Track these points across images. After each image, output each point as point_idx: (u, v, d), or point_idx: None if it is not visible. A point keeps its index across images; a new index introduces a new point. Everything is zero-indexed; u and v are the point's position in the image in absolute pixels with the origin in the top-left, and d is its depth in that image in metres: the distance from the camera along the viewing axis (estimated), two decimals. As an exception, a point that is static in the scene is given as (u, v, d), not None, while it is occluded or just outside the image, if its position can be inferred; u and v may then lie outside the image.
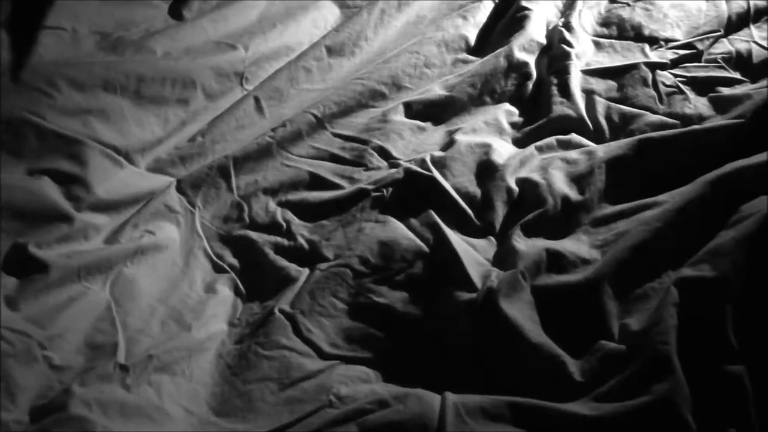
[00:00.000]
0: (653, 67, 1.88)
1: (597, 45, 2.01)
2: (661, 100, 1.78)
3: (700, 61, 1.90)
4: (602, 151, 1.62)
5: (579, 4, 2.12)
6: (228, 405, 1.28)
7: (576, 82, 1.85)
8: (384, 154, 1.73)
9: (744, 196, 1.40)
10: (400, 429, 1.19)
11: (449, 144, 1.71)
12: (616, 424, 1.14)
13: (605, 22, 2.08)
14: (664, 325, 1.23)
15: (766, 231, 1.31)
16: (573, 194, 1.55)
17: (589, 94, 1.82)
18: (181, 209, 1.61)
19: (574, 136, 1.72)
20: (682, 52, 1.94)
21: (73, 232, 1.47)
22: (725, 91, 1.77)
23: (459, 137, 1.72)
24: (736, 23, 2.02)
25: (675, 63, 1.90)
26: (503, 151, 1.69)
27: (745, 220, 1.35)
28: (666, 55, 1.93)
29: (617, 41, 2.01)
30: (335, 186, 1.67)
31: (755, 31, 1.97)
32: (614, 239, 1.44)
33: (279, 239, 1.57)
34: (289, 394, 1.28)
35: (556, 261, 1.42)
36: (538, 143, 1.71)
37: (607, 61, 1.94)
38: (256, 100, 1.86)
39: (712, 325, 1.23)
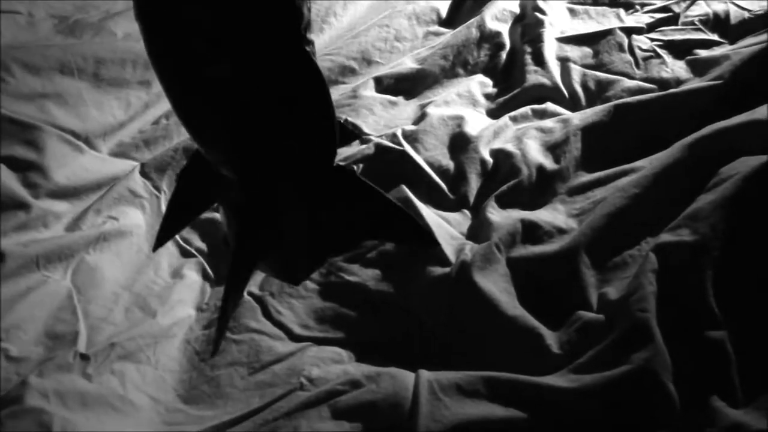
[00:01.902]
0: (629, 31, 1.83)
1: (571, 12, 1.97)
2: (637, 65, 1.74)
3: (676, 24, 1.85)
4: (578, 118, 1.57)
5: (553, -28, 2.07)
6: (196, 391, 1.24)
7: (550, 50, 1.81)
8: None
9: (723, 158, 1.36)
10: (372, 409, 1.16)
11: (421, 117, 1.67)
12: (596, 395, 1.11)
13: (579, -12, 2.04)
14: (642, 292, 1.19)
15: (745, 193, 1.27)
16: (548, 163, 1.51)
17: (564, 61, 1.78)
18: (146, 194, 1.56)
19: (550, 105, 1.68)
20: (658, 15, 1.89)
21: (30, 220, 1.43)
22: (703, 53, 1.73)
23: (431, 110, 1.68)
24: (713, -17, 1.97)
25: (651, 27, 1.86)
26: (476, 122, 1.65)
27: (724, 183, 1.31)
28: (642, 19, 1.89)
29: (592, 7, 1.97)
30: (305, 164, 1.63)
31: (733, -9, 1.93)
32: (591, 207, 1.40)
33: (247, 221, 1.52)
34: (259, 378, 1.25)
35: (532, 232, 1.38)
36: (513, 113, 1.67)
37: (581, 27, 1.90)
38: (223, 79, 1.81)
39: (692, 290, 1.19)
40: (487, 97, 1.76)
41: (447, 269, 1.33)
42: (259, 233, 0.73)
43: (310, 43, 0.65)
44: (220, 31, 0.61)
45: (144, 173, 1.59)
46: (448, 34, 1.92)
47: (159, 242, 0.89)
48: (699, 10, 1.88)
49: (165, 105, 1.75)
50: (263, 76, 0.64)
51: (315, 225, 0.77)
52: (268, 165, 0.69)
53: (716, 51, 1.73)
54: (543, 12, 1.91)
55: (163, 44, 0.64)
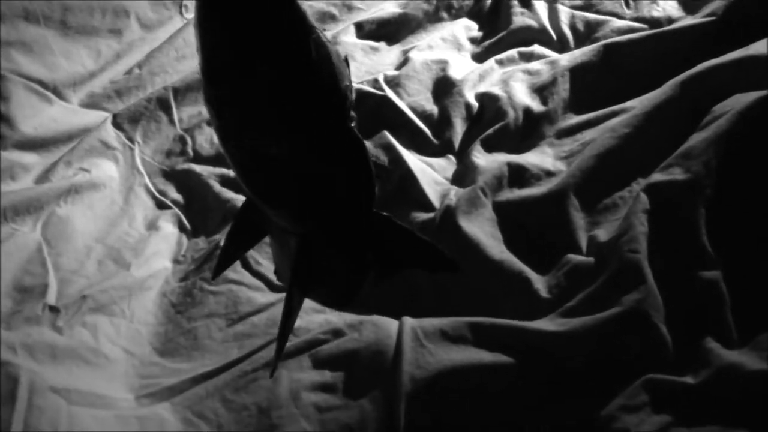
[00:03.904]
0: (619, -30, 1.76)
1: (559, -49, 1.89)
2: (627, 5, 1.67)
3: (668, -39, 1.78)
4: (566, 59, 1.52)
5: None
6: (172, 344, 1.20)
7: (537, -9, 1.74)
8: (335, 77, 1.62)
9: (716, 96, 1.31)
10: (355, 357, 1.12)
11: (404, 63, 1.62)
12: (585, 338, 1.07)
13: (567, -72, 1.96)
14: (633, 232, 1.15)
15: (740, 129, 1.23)
16: (535, 105, 1.45)
17: (551, 2, 1.72)
18: (119, 145, 1.51)
19: (537, 48, 1.63)
20: (649, -47, 1.82)
21: (-4, 172, 1.37)
22: (695, -10, 1.67)
23: (414, 55, 1.62)
24: None
25: (642, -35, 1.78)
26: (461, 66, 1.59)
27: (717, 120, 1.26)
28: (632, -43, 1.82)
29: (580, -54, 1.89)
30: (284, 113, 1.57)
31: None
32: (580, 149, 1.35)
33: (225, 171, 1.48)
34: (238, 329, 1.21)
35: (519, 175, 1.33)
36: (499, 56, 1.61)
37: (569, -33, 1.83)
38: (198, 28, 1.74)
39: (684, 230, 1.15)
40: (473, 41, 1.70)
41: (431, 214, 1.29)
42: (309, 271, 0.86)
43: (354, 119, 0.79)
44: (279, 118, 0.73)
45: (116, 124, 1.54)
46: (431, -23, 1.86)
47: (216, 274, 1.06)
48: (691, -55, 1.81)
49: (137, 54, 1.69)
50: (315, 152, 0.76)
51: (356, 260, 0.90)
52: (320, 218, 0.82)
53: (709, -13, 1.66)
54: (530, -48, 1.84)
55: (234, 130, 0.74)
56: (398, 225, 0.93)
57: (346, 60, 0.80)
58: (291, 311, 0.92)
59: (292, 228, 0.86)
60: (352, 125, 0.79)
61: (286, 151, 0.75)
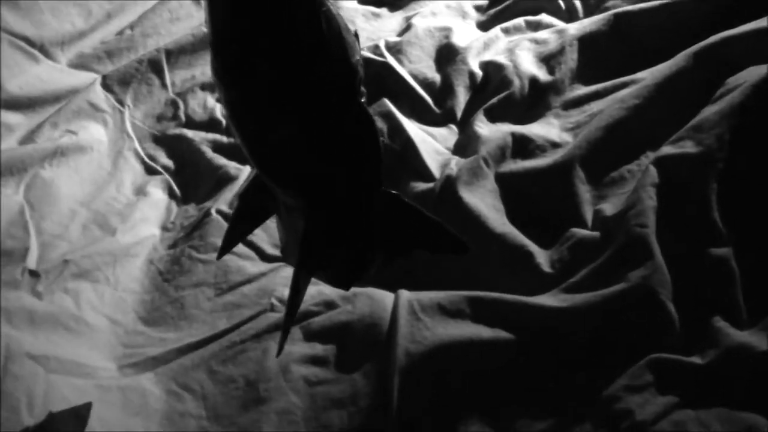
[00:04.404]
0: (630, -61, 1.70)
1: None
2: (639, -26, 1.62)
3: (682, -70, 1.72)
4: (574, 28, 1.47)
5: None
6: (158, 313, 1.16)
7: (546, -41, 1.68)
8: (334, 43, 1.57)
9: (730, 68, 1.26)
10: (347, 330, 1.09)
11: (406, 29, 1.57)
12: (589, 314, 1.03)
13: None
14: (641, 206, 1.10)
15: (754, 101, 1.18)
16: (542, 75, 1.40)
17: (560, -29, 1.66)
18: (108, 108, 1.46)
19: (545, 17, 1.57)
20: None
21: (-22, 131, 1.32)
22: (710, -40, 1.61)
23: (417, 21, 1.57)
24: None
25: (654, -66, 1.72)
26: (465, 34, 1.54)
27: (731, 92, 1.21)
28: (644, -74, 1.76)
29: None
30: (281, 77, 1.52)
31: None
32: (587, 121, 1.30)
33: (218, 137, 1.43)
34: (227, 299, 1.17)
35: (523, 146, 1.29)
36: (505, 25, 1.56)
37: (579, -66, 1.77)
38: (193, -11, 1.69)
39: (695, 204, 1.11)
40: (478, 9, 1.65)
41: (431, 184, 1.24)
42: (317, 250, 0.86)
43: (363, 94, 0.78)
44: (289, 95, 0.72)
45: (106, 86, 1.49)
46: (436, -57, 1.79)
47: (221, 255, 1.04)
48: None
49: (129, 15, 1.64)
50: (325, 130, 0.75)
51: (363, 240, 0.89)
52: (329, 195, 0.81)
53: (724, -43, 1.60)
54: None
55: (241, 106, 0.74)
56: (407, 203, 0.91)
57: (355, 34, 0.78)
58: (298, 292, 0.91)
59: (299, 205, 0.85)
60: (363, 101, 0.78)
61: (295, 128, 0.74)
